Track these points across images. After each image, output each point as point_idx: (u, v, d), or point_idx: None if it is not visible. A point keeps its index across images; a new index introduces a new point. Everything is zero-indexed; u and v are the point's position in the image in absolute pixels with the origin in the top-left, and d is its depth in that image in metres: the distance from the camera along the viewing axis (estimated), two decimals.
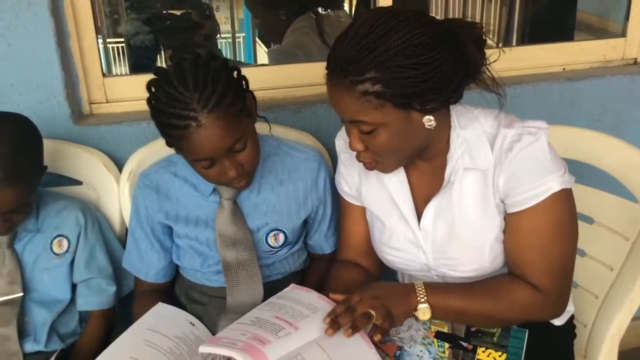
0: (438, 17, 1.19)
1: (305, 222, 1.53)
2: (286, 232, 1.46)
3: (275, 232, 1.46)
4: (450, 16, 4.09)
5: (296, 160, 1.48)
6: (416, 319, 1.24)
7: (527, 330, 1.27)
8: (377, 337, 1.17)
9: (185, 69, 1.22)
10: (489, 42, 3.77)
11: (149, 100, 1.26)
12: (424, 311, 1.22)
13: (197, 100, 1.19)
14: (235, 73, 1.30)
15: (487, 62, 1.19)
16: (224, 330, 1.18)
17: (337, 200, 1.52)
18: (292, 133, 1.69)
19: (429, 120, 1.17)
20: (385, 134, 1.16)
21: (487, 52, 1.19)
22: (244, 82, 1.32)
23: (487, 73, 1.20)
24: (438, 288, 1.25)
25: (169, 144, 1.30)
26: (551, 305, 1.27)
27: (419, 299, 1.22)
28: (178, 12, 2.82)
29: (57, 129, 1.64)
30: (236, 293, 1.42)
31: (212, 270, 1.46)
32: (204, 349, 1.14)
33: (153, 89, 1.25)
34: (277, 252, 1.48)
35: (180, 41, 2.73)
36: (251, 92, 1.34)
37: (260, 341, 1.11)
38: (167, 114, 1.21)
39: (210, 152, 1.24)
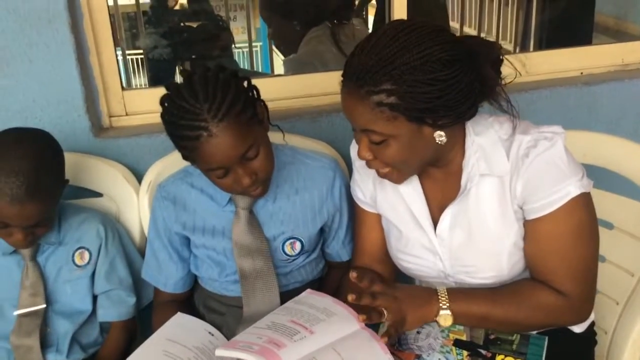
0: (455, 22, 1.19)
1: (322, 231, 1.53)
2: (303, 240, 1.47)
3: (291, 240, 1.46)
4: (467, 20, 4.09)
5: (311, 168, 1.49)
6: (438, 324, 1.24)
7: (547, 338, 1.27)
8: (384, 340, 1.17)
9: (195, 82, 1.25)
10: (506, 47, 3.76)
11: (162, 115, 1.29)
12: (445, 318, 1.22)
13: (207, 111, 1.21)
14: (245, 83, 1.32)
15: (503, 82, 1.19)
16: (240, 334, 1.19)
17: (354, 208, 1.53)
18: (308, 142, 1.70)
19: (439, 136, 1.17)
20: (395, 146, 1.17)
21: (504, 70, 1.20)
22: (254, 91, 1.34)
23: (502, 94, 1.20)
24: (461, 294, 1.25)
25: (184, 157, 1.32)
26: (576, 310, 1.26)
27: (440, 305, 1.22)
28: (195, 25, 2.86)
29: (78, 142, 1.67)
30: (252, 302, 1.43)
31: (230, 280, 1.47)
32: (220, 353, 1.16)
33: (165, 104, 1.28)
34: (294, 260, 1.49)
35: (197, 53, 2.76)
36: (262, 101, 1.36)
37: (276, 344, 1.11)
38: (179, 126, 1.24)
39: (222, 160, 1.25)
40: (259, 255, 1.43)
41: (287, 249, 1.47)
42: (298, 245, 1.47)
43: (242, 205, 1.42)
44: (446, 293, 1.23)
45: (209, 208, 1.45)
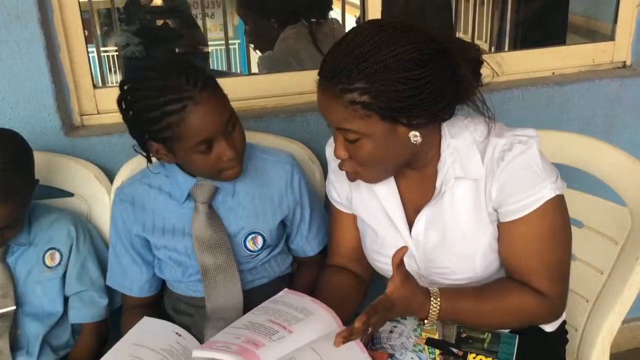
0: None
1: (284, 225, 1.54)
2: (264, 234, 1.47)
3: (253, 235, 1.46)
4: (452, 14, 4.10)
5: (269, 163, 1.50)
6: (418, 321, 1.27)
7: (517, 336, 1.28)
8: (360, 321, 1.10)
9: (161, 63, 1.29)
10: (482, 46, 3.78)
11: (126, 114, 1.29)
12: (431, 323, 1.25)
13: (186, 82, 1.24)
14: None
15: (480, 84, 1.20)
16: (218, 335, 1.18)
17: (317, 204, 1.55)
18: (283, 142, 1.70)
19: (414, 136, 1.18)
20: (370, 145, 1.17)
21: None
22: None
23: (478, 95, 1.20)
24: (450, 292, 1.24)
25: (149, 156, 1.34)
26: (555, 309, 1.28)
27: (431, 303, 1.22)
28: (169, 23, 2.85)
29: (49, 141, 1.65)
30: (215, 297, 1.43)
31: (194, 280, 1.46)
32: (197, 354, 1.15)
33: (129, 97, 1.28)
34: (257, 255, 1.48)
35: (168, 52, 2.74)
36: None
37: (254, 344, 1.11)
38: (160, 104, 1.24)
39: (211, 128, 1.27)
40: (219, 250, 1.42)
41: (249, 244, 1.47)
42: (260, 240, 1.47)
43: (201, 199, 1.42)
44: (438, 310, 1.22)
45: (168, 206, 1.45)
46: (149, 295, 1.53)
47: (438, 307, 1.21)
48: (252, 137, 1.57)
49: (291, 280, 1.60)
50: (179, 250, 1.45)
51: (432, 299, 1.21)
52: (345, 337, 1.08)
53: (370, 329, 1.13)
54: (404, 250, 1.16)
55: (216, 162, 1.32)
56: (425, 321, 1.23)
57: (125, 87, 1.30)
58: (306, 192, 1.53)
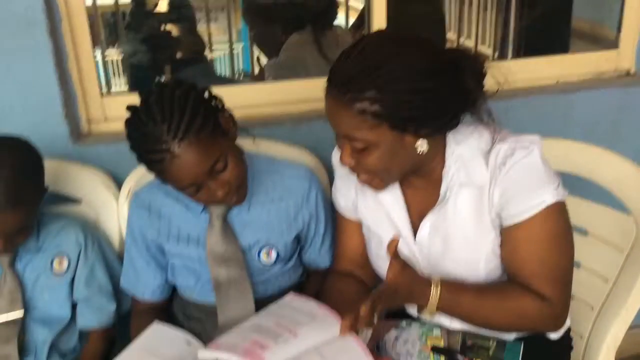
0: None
1: (299, 239, 1.54)
2: (278, 248, 1.48)
3: (267, 248, 1.47)
4: (447, 26, 4.11)
5: (287, 178, 1.50)
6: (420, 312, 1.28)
7: (522, 344, 1.29)
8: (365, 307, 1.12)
9: (151, 103, 1.24)
10: (485, 51, 3.79)
11: (127, 137, 1.29)
12: (431, 311, 1.25)
13: (166, 132, 1.20)
14: (206, 94, 1.31)
15: (485, 96, 1.21)
16: (224, 336, 1.19)
17: (332, 217, 1.54)
18: (289, 149, 1.71)
19: (421, 145, 1.19)
20: (377, 153, 1.18)
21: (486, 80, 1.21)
22: (217, 102, 1.33)
23: (484, 107, 1.21)
24: (453, 285, 1.25)
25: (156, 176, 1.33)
26: (556, 314, 1.28)
27: (432, 293, 1.23)
28: (174, 29, 2.85)
29: (57, 148, 1.65)
30: (227, 311, 1.43)
31: (207, 287, 1.46)
32: (203, 354, 1.16)
33: (128, 128, 1.28)
34: (270, 269, 1.49)
35: (172, 59, 2.74)
36: (227, 111, 1.35)
37: (260, 346, 1.12)
38: (143, 151, 1.25)
39: (191, 179, 1.25)
40: (233, 264, 1.43)
41: (263, 258, 1.47)
42: (274, 254, 1.48)
43: (217, 213, 1.42)
44: (437, 302, 1.23)
45: (183, 216, 1.45)
46: (160, 300, 1.54)
47: (438, 296, 1.22)
48: (258, 144, 1.58)
49: (301, 290, 1.60)
50: (193, 258, 1.45)
51: (432, 286, 1.23)
52: (351, 324, 1.10)
53: (375, 319, 1.14)
54: (395, 241, 1.18)
55: (209, 198, 1.32)
56: (425, 310, 1.24)
57: (127, 118, 1.29)
58: (322, 205, 1.52)
